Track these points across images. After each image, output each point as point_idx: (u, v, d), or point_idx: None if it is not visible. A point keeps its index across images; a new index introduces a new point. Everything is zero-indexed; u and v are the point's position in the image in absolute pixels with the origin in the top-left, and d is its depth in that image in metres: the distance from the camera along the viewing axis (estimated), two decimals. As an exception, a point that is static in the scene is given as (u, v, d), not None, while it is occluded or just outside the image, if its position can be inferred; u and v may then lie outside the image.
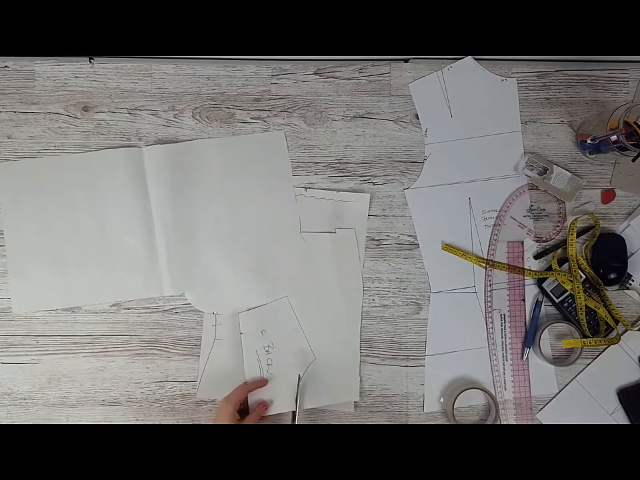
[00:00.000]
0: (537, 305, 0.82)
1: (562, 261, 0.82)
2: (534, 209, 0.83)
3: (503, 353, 0.82)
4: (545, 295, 0.82)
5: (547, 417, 0.82)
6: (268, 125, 0.83)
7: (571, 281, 0.80)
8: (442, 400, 0.82)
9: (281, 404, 0.80)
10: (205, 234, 0.82)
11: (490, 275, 0.82)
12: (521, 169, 0.82)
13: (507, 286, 0.83)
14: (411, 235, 0.83)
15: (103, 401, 0.82)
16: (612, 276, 0.81)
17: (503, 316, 0.83)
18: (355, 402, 0.82)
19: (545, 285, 0.81)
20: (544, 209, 0.83)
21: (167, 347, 0.82)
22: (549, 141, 0.83)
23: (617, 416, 0.81)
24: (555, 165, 0.82)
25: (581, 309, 0.79)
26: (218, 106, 0.83)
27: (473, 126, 0.83)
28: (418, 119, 0.83)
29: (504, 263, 0.82)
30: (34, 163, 0.81)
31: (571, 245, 0.80)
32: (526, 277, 0.82)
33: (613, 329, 0.80)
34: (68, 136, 0.82)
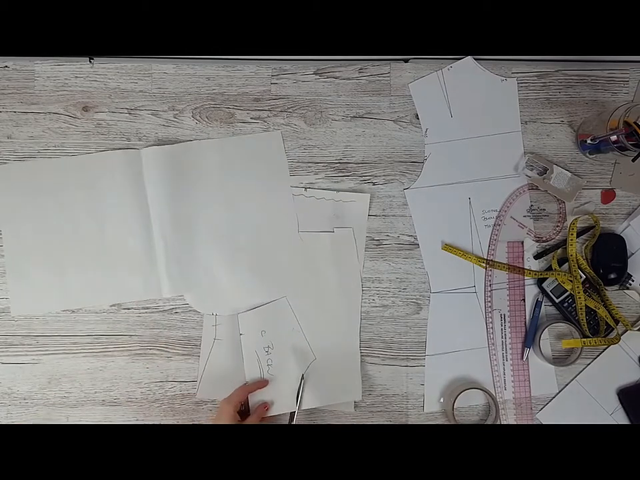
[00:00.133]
0: (537, 305, 0.82)
1: (562, 260, 0.82)
2: (534, 209, 0.83)
3: (503, 353, 0.82)
4: (545, 295, 0.82)
5: (547, 416, 0.82)
6: (268, 125, 0.83)
7: (571, 280, 0.80)
8: (442, 400, 0.82)
9: (281, 405, 0.80)
10: (204, 235, 0.82)
11: (490, 275, 0.82)
12: (521, 169, 0.82)
13: (507, 286, 0.83)
14: (411, 235, 0.83)
15: (103, 401, 0.82)
16: (612, 276, 0.81)
17: (503, 316, 0.83)
18: (355, 402, 0.82)
19: (545, 285, 0.81)
20: (544, 209, 0.83)
21: (167, 347, 0.82)
22: (549, 141, 0.83)
23: (617, 416, 0.81)
24: (555, 165, 0.82)
25: (580, 309, 0.79)
26: (218, 106, 0.83)
27: (473, 126, 0.83)
28: (418, 118, 0.83)
29: (504, 263, 0.82)
30: (33, 165, 0.81)
31: (571, 244, 0.80)
32: (526, 277, 0.82)
33: (613, 329, 0.80)
34: (68, 136, 0.82)
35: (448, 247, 0.82)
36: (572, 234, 0.80)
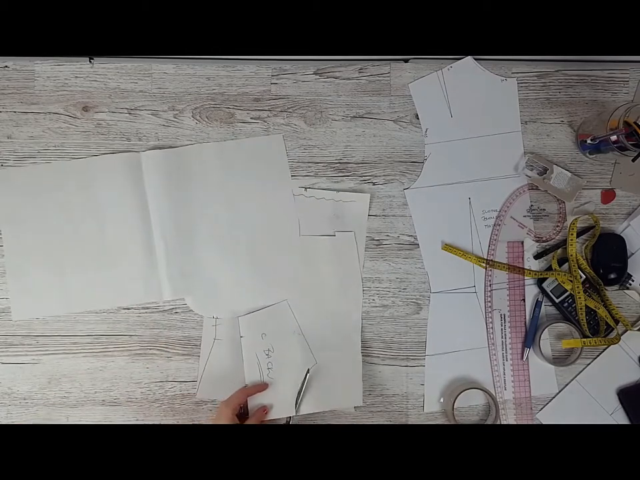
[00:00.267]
0: (537, 305, 0.82)
1: (562, 260, 0.82)
2: (534, 209, 0.83)
3: (503, 353, 0.82)
4: (545, 295, 0.82)
5: (547, 416, 0.82)
6: (268, 125, 0.83)
7: (571, 281, 0.80)
8: (442, 400, 0.82)
9: (281, 408, 0.80)
10: (204, 238, 0.82)
11: (490, 275, 0.83)
12: (521, 169, 0.82)
13: (507, 286, 0.83)
14: (411, 235, 0.83)
15: (103, 401, 0.82)
16: (612, 276, 0.81)
17: (503, 316, 0.83)
18: (355, 402, 0.82)
19: (545, 285, 0.81)
20: (544, 209, 0.83)
21: (167, 347, 0.82)
22: (549, 141, 0.83)
23: (617, 416, 0.81)
24: (555, 165, 0.82)
25: (580, 309, 0.79)
26: (218, 106, 0.83)
27: (473, 126, 0.83)
28: (418, 118, 0.83)
29: (504, 263, 0.82)
30: (33, 169, 0.81)
31: (571, 245, 0.80)
32: (526, 277, 0.82)
33: (613, 329, 0.80)
34: (68, 136, 0.82)
35: (448, 247, 0.82)
36: (572, 234, 0.80)
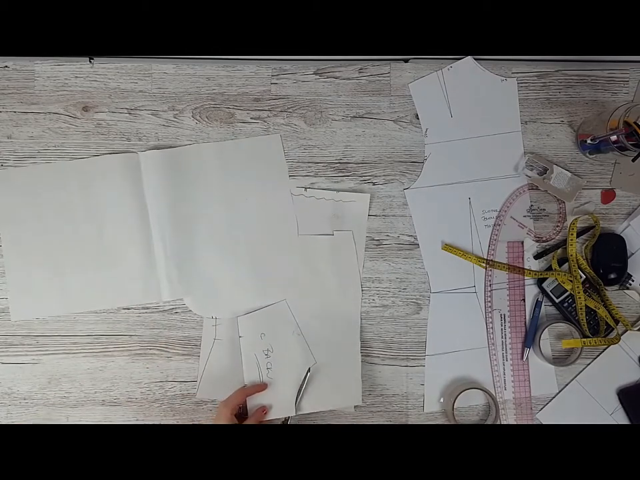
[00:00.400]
0: (537, 305, 0.82)
1: (562, 260, 0.82)
2: (534, 209, 0.83)
3: (503, 353, 0.82)
4: (545, 295, 0.82)
5: (547, 416, 0.82)
6: (268, 125, 0.83)
7: (571, 281, 0.80)
8: (442, 400, 0.82)
9: (280, 409, 0.80)
10: (203, 238, 0.82)
11: (490, 275, 0.82)
12: (521, 169, 0.82)
13: (507, 286, 0.83)
14: (411, 235, 0.83)
15: (103, 401, 0.82)
16: (612, 276, 0.81)
17: (503, 316, 0.83)
18: (355, 402, 0.82)
19: (545, 285, 0.81)
20: (544, 209, 0.83)
21: (167, 347, 0.82)
22: (549, 141, 0.83)
23: (617, 416, 0.81)
24: (555, 165, 0.82)
25: (580, 309, 0.79)
26: (218, 106, 0.83)
27: (473, 126, 0.83)
28: (418, 118, 0.83)
29: (504, 263, 0.82)
30: (32, 169, 0.81)
31: (571, 244, 0.80)
32: (526, 277, 0.82)
33: (613, 329, 0.80)
34: (68, 136, 0.82)
35: (448, 247, 0.82)
36: (572, 234, 0.80)
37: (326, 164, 0.83)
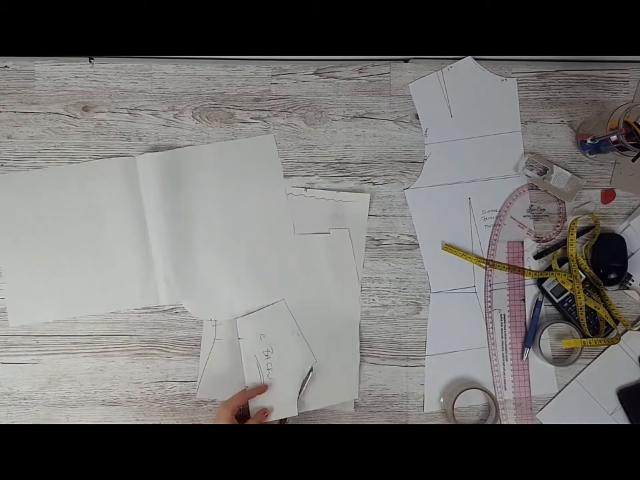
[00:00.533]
0: (537, 305, 0.82)
1: (562, 260, 0.82)
2: (534, 209, 0.83)
3: (503, 353, 0.82)
4: (545, 295, 0.82)
5: (547, 416, 0.82)
6: (268, 125, 0.83)
7: (571, 281, 0.80)
8: (442, 400, 0.82)
9: (281, 410, 0.79)
10: (200, 241, 0.82)
11: (490, 275, 0.82)
12: (521, 169, 0.82)
13: (507, 286, 0.83)
14: (411, 235, 0.83)
15: (103, 401, 0.82)
16: (612, 276, 0.81)
17: (503, 316, 0.83)
18: (355, 401, 0.82)
19: (545, 285, 0.81)
20: (544, 209, 0.83)
21: (167, 347, 0.82)
22: (549, 141, 0.83)
23: (617, 416, 0.81)
24: (555, 165, 0.82)
25: (580, 309, 0.79)
26: (218, 106, 0.83)
27: (473, 126, 0.83)
28: (418, 118, 0.83)
29: (504, 263, 0.82)
30: (30, 173, 0.81)
31: (571, 244, 0.80)
32: (526, 277, 0.82)
33: (613, 329, 0.80)
34: (68, 136, 0.82)
35: (448, 247, 0.82)
36: (572, 234, 0.80)
37: (326, 164, 0.83)
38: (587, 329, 0.80)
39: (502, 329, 0.82)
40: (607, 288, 0.81)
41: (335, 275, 0.82)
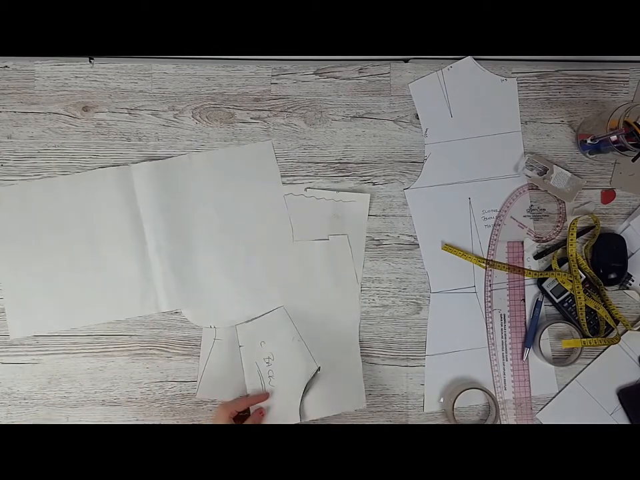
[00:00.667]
0: (537, 305, 0.82)
1: (562, 260, 0.82)
2: (534, 209, 0.83)
3: (503, 353, 0.82)
4: (545, 295, 0.82)
5: (547, 416, 0.82)
6: (268, 125, 0.83)
7: (571, 281, 0.80)
8: (442, 400, 0.82)
9: (284, 416, 0.79)
10: (199, 248, 0.82)
11: (490, 275, 0.82)
12: (521, 169, 0.82)
13: (507, 286, 0.83)
14: (411, 235, 0.83)
15: (103, 401, 0.82)
16: (612, 276, 0.81)
17: (503, 316, 0.83)
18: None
19: (545, 285, 0.81)
20: (544, 209, 0.83)
21: (167, 347, 0.82)
22: (549, 141, 0.83)
23: (617, 416, 0.81)
24: (555, 165, 0.82)
25: (580, 309, 0.79)
26: (218, 106, 0.83)
27: (473, 126, 0.83)
28: (418, 118, 0.83)
29: (504, 263, 0.82)
30: (24, 186, 0.81)
31: (571, 244, 0.80)
32: (526, 277, 0.82)
33: (613, 329, 0.80)
34: (68, 136, 0.82)
35: (448, 247, 0.82)
36: (572, 234, 0.80)
37: (326, 164, 0.83)
38: (587, 329, 0.80)
39: (502, 329, 0.82)
40: (607, 288, 0.81)
41: (334, 281, 0.82)
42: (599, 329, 0.81)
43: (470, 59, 0.83)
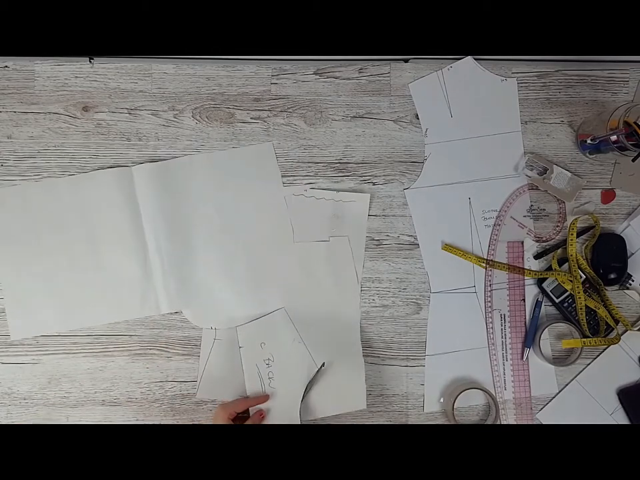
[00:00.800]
0: (537, 305, 0.82)
1: (562, 260, 0.82)
2: (534, 209, 0.83)
3: (503, 353, 0.82)
4: (545, 295, 0.82)
5: (547, 416, 0.82)
6: (268, 125, 0.83)
7: (571, 281, 0.80)
8: (442, 400, 0.82)
9: (283, 417, 0.79)
10: (199, 249, 0.82)
11: (490, 275, 0.82)
12: (521, 169, 0.82)
13: (507, 286, 0.83)
14: (411, 235, 0.83)
15: (103, 401, 0.82)
16: (612, 276, 0.81)
17: (503, 316, 0.83)
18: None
19: (545, 285, 0.81)
20: (544, 209, 0.83)
21: (167, 347, 0.82)
22: (549, 141, 0.83)
23: (617, 416, 0.81)
24: (555, 165, 0.82)
25: (580, 309, 0.79)
26: (218, 106, 0.83)
27: (473, 126, 0.83)
28: (418, 118, 0.83)
29: (504, 263, 0.82)
30: (25, 187, 0.81)
31: (571, 244, 0.80)
32: (526, 277, 0.82)
33: (613, 329, 0.80)
34: (68, 136, 0.82)
35: (448, 247, 0.82)
36: (572, 234, 0.80)
37: (326, 164, 0.83)
38: (587, 329, 0.80)
39: (502, 329, 0.82)
40: (607, 288, 0.81)
41: (334, 281, 0.82)
42: (599, 328, 0.81)
43: (470, 58, 0.83)
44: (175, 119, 0.82)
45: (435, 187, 0.83)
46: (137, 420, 0.82)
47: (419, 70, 0.83)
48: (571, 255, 0.80)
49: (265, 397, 0.79)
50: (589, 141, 0.78)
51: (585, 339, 0.79)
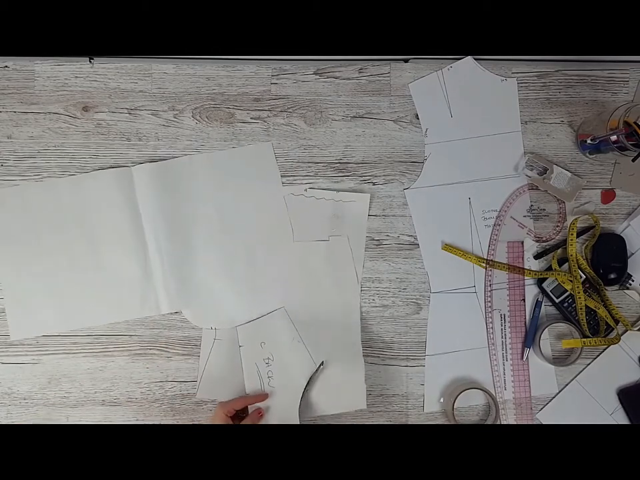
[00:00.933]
0: (537, 305, 0.82)
1: (562, 260, 0.82)
2: (534, 209, 0.83)
3: (503, 353, 0.82)
4: (545, 295, 0.82)
5: (547, 416, 0.82)
6: (268, 125, 0.83)
7: (571, 281, 0.80)
8: (442, 400, 0.82)
9: (283, 417, 0.79)
10: (199, 249, 0.81)
11: (490, 275, 0.82)
12: (521, 169, 0.82)
13: (507, 286, 0.83)
14: (411, 235, 0.83)
15: (103, 401, 0.82)
16: (612, 276, 0.81)
17: (503, 316, 0.83)
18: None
19: (545, 285, 0.81)
20: (544, 209, 0.83)
21: (167, 347, 0.82)
22: (549, 141, 0.83)
23: (617, 416, 0.81)
24: (555, 165, 0.82)
25: (580, 309, 0.79)
26: (218, 106, 0.83)
27: (473, 126, 0.83)
28: (418, 118, 0.83)
29: (504, 263, 0.82)
30: (25, 187, 0.81)
31: (571, 245, 0.80)
32: (526, 277, 0.82)
33: (613, 329, 0.80)
34: (68, 136, 0.82)
35: (448, 247, 0.82)
36: (572, 234, 0.80)
37: (326, 164, 0.83)
38: (587, 329, 0.80)
39: (502, 329, 0.82)
40: (607, 288, 0.81)
41: (334, 281, 0.82)
42: (599, 328, 0.81)
43: (470, 58, 0.83)
44: (175, 119, 0.82)
45: (435, 186, 0.83)
46: (137, 420, 0.82)
47: (419, 70, 0.83)
48: (571, 255, 0.80)
49: (264, 395, 0.79)
50: (589, 141, 0.78)
51: (584, 339, 0.79)
